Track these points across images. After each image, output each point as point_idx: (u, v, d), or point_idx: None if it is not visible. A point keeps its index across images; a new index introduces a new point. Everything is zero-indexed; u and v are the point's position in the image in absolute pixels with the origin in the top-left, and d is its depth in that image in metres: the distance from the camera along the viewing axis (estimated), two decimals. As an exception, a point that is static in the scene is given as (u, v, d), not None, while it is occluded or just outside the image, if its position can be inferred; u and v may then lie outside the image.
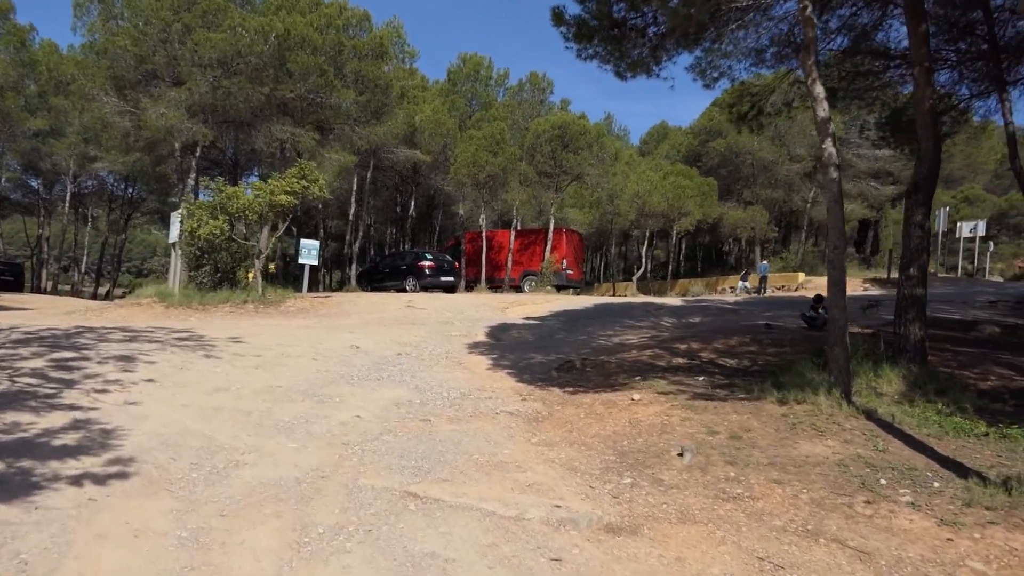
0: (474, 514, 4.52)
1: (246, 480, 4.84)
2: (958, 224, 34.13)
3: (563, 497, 4.84)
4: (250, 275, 16.99)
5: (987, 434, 6.20)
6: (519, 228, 29.77)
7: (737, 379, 8.58)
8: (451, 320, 15.66)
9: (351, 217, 31.23)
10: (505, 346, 12.31)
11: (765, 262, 30.49)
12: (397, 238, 42.96)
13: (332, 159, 21.96)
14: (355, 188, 29.36)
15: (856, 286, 27.06)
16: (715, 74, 11.60)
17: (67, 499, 4.21)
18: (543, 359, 10.84)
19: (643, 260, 30.58)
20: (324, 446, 5.76)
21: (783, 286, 28.96)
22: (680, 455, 5.68)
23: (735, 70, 11.79)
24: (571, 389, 8.60)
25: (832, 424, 6.30)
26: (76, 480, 4.50)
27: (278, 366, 8.89)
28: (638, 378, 8.83)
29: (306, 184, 16.30)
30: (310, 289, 20.77)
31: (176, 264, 17.21)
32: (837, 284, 7.28)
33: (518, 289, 29.39)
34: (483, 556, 3.96)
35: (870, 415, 6.52)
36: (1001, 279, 35.68)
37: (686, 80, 28.68)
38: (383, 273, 26.79)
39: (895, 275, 30.74)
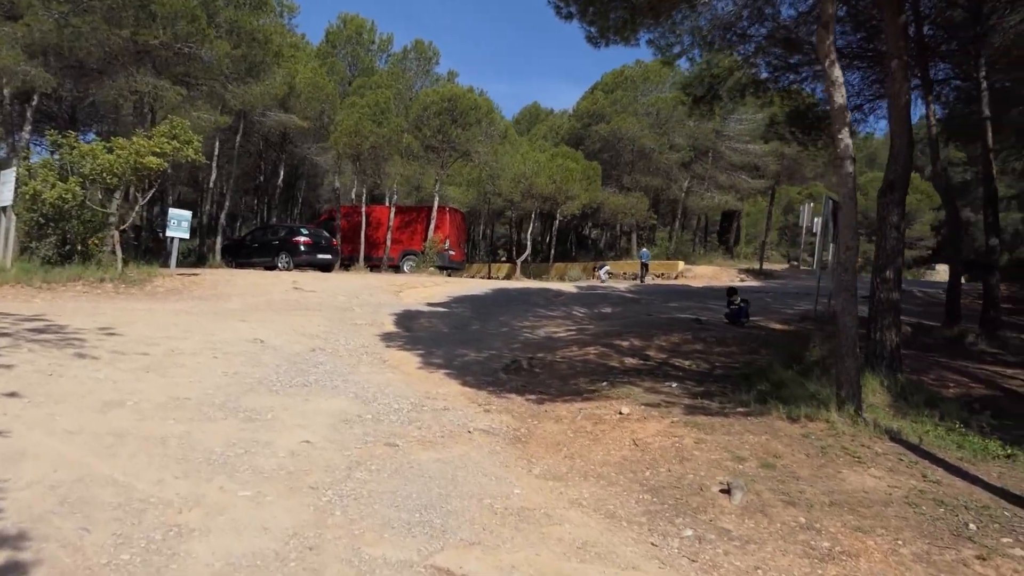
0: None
1: (204, 561, 3.39)
2: (801, 218, 36.00)
3: (636, 566, 3.77)
4: (108, 247, 14.47)
5: (1009, 456, 5.79)
6: (398, 204, 28.10)
7: (711, 385, 7.87)
8: (349, 306, 14.10)
9: (210, 185, 28.27)
10: (424, 339, 11.02)
11: (645, 249, 30.36)
12: (257, 210, 39.83)
13: (202, 119, 19.37)
14: (216, 153, 26.46)
15: (733, 277, 27.79)
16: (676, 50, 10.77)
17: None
18: (476, 356, 9.70)
19: (528, 243, 29.84)
20: (286, 492, 4.36)
21: (662, 274, 29.28)
22: (725, 492, 4.78)
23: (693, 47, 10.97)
24: (533, 397, 7.53)
25: (862, 448, 5.64)
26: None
27: (174, 367, 7.18)
28: (604, 384, 7.91)
29: (178, 145, 14.03)
30: (167, 265, 18.27)
31: (8, 232, 14.34)
32: (848, 288, 6.65)
33: (397, 269, 27.83)
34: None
35: (893, 436, 5.94)
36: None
37: (555, 64, 28.00)
38: (250, 248, 24.32)
39: (768, 266, 32.16)
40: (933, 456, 5.61)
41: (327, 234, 24.47)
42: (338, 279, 19.14)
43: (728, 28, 11.80)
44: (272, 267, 22.75)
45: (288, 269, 22.57)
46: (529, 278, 29.68)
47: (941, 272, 45.51)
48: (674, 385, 7.77)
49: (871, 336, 8.11)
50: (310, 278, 18.24)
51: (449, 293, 17.98)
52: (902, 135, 8.49)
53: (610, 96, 33.64)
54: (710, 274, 28.45)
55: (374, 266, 27.34)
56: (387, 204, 27.50)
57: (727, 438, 5.82)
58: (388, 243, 27.17)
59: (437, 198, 26.95)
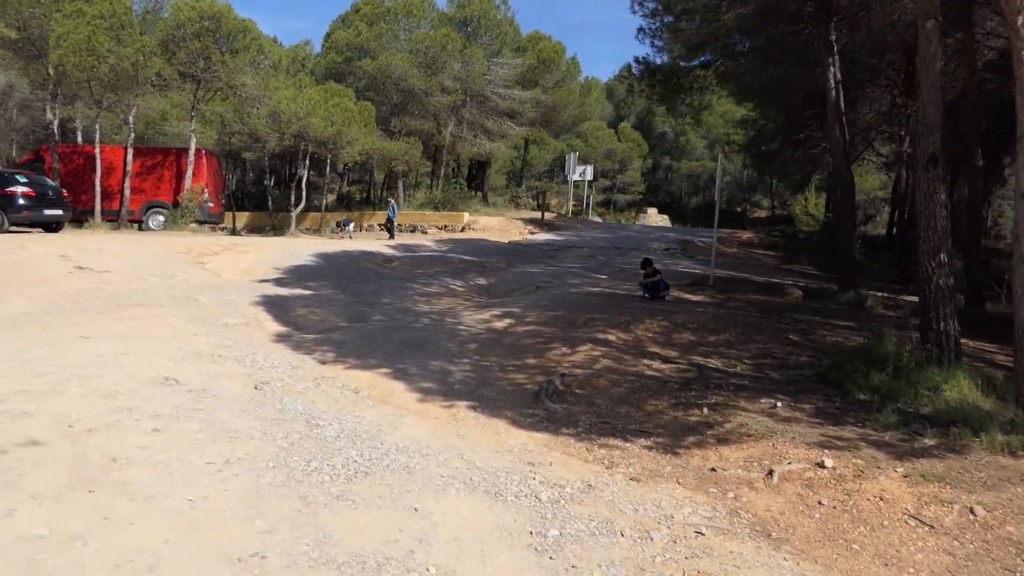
0: None
1: None
2: (567, 168, 36.71)
3: None
4: None
5: None
6: (137, 146, 22.53)
7: (804, 398, 6.65)
8: (181, 293, 10.52)
9: None
10: (347, 343, 8.35)
11: (392, 201, 27.35)
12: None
13: None
14: None
15: (522, 230, 27.10)
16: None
17: None
18: (465, 373, 7.43)
19: (304, 192, 25.90)
20: None
21: (445, 226, 27.53)
22: None
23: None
24: (645, 442, 5.66)
25: None
26: None
27: (100, 472, 4.07)
28: (695, 410, 6.27)
29: None
30: None
31: None
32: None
33: (139, 225, 22.56)
34: None
35: None
36: (600, 220, 40.12)
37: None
38: (-67, 204, 17.66)
39: (548, 216, 31.93)
40: None
41: (53, 183, 18.68)
42: (104, 245, 14.41)
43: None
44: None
45: (0, 230, 16.82)
46: (277, 232, 25.99)
47: (652, 215, 50.06)
48: (779, 405, 6.40)
49: (933, 327, 7.50)
50: (65, 246, 13.45)
51: (265, 261, 14.67)
52: (936, 104, 7.88)
53: (374, 29, 30.40)
54: (496, 226, 27.40)
55: (110, 220, 21.76)
56: (123, 145, 21.82)
57: (1001, 496, 4.64)
58: (126, 193, 21.73)
59: (195, 139, 22.05)
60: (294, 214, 25.46)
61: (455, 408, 6.34)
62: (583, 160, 37.61)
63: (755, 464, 5.21)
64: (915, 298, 13.83)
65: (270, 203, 29.75)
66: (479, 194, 37.55)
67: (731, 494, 4.80)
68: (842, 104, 12.68)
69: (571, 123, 41.25)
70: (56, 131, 22.11)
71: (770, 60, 13.49)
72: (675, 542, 4.03)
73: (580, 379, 7.09)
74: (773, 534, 4.28)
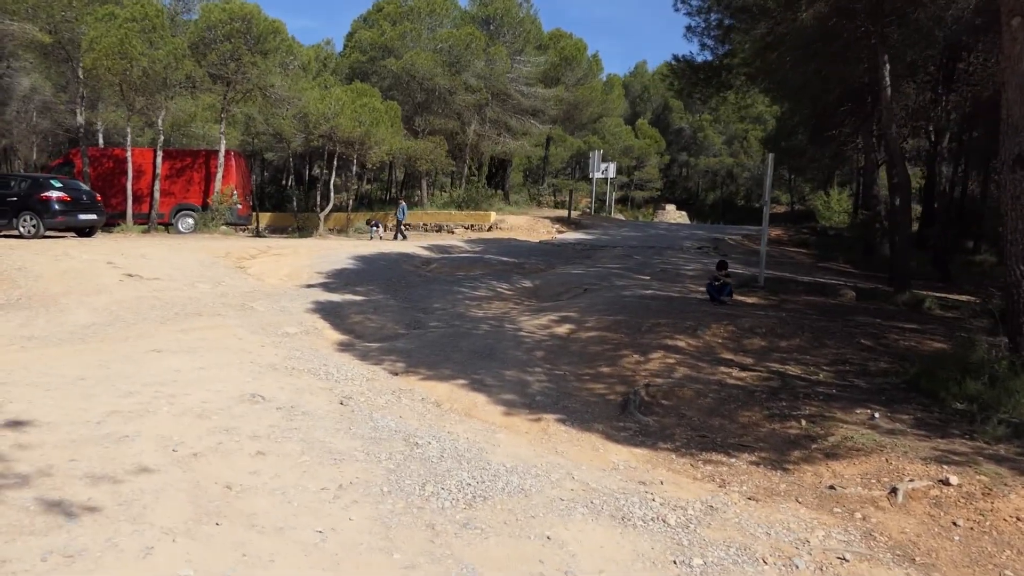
0: None
1: None
2: (591, 165, 36.39)
3: None
4: None
5: None
6: (167, 148, 22.48)
7: (899, 408, 6.44)
8: (234, 301, 10.41)
9: None
10: (427, 357, 8.17)
11: (403, 203, 26.74)
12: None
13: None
14: None
15: (549, 229, 26.90)
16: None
17: None
18: (547, 385, 7.27)
19: (331, 194, 25.77)
20: None
21: (472, 225, 27.35)
22: None
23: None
24: (751, 457, 5.48)
25: None
26: None
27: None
28: (792, 423, 6.07)
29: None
30: None
31: None
32: None
33: (167, 227, 22.51)
34: None
35: None
36: (622, 217, 39.84)
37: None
38: (-33, 208, 17.64)
39: (574, 214, 31.62)
40: None
41: (87, 188, 18.62)
42: (146, 251, 14.30)
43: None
44: (7, 233, 16.81)
45: (35, 235, 16.81)
46: (302, 232, 25.75)
47: (670, 212, 49.67)
48: (876, 416, 6.19)
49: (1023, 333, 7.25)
50: (109, 252, 13.36)
51: (306, 266, 14.54)
52: (1022, 103, 7.62)
53: (398, 28, 30.23)
54: (524, 225, 27.22)
55: (140, 223, 21.73)
56: (152, 147, 21.76)
57: None
58: (156, 196, 21.69)
59: (224, 140, 21.96)
60: (322, 215, 25.31)
61: (543, 422, 6.16)
62: (603, 157, 37.32)
63: (873, 481, 5.01)
64: (969, 298, 13.65)
65: (294, 204, 29.63)
66: (500, 192, 37.37)
67: (858, 514, 4.60)
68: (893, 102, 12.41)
69: (590, 120, 40.96)
70: (82, 134, 22.09)
71: (809, 57, 13.16)
72: (822, 570, 3.85)
73: (664, 389, 6.90)
74: (917, 559, 4.08)
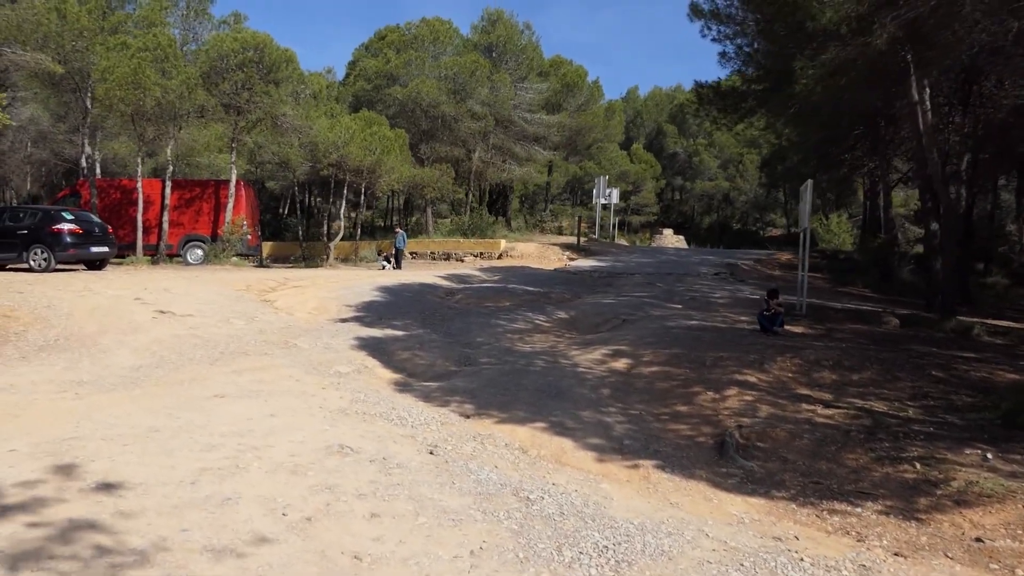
0: None
1: None
2: (595, 191, 36.24)
3: None
4: None
5: None
6: (175, 178, 22.11)
7: (1014, 447, 6.14)
8: (275, 338, 10.04)
9: None
10: (493, 397, 7.81)
11: (401, 231, 26.12)
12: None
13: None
14: None
15: (560, 256, 26.63)
16: None
17: None
18: (628, 427, 6.93)
19: (341, 222, 25.47)
20: None
21: (481, 253, 27.07)
22: None
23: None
24: (875, 506, 5.16)
25: None
26: None
27: None
28: (906, 466, 5.76)
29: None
30: None
31: None
32: None
33: (172, 259, 22.04)
34: None
35: None
36: (626, 243, 39.69)
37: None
38: (-19, 240, 17.15)
39: (571, 240, 31.38)
40: None
41: (99, 220, 18.20)
42: (166, 284, 13.84)
43: None
44: (15, 267, 16.40)
45: (46, 269, 16.38)
46: (309, 262, 25.30)
47: (668, 236, 49.55)
48: (989, 457, 5.91)
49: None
50: (132, 286, 12.94)
51: (332, 298, 14.17)
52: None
53: (402, 56, 30.14)
54: (534, 252, 26.95)
55: (148, 255, 21.27)
56: (165, 178, 21.31)
57: None
58: (165, 227, 21.28)
59: (235, 170, 21.63)
60: (332, 245, 24.94)
61: (642, 469, 5.83)
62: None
63: (1020, 532, 4.70)
64: (1011, 324, 13.46)
65: (300, 233, 29.26)
66: (503, 219, 37.19)
67: (1019, 571, 4.29)
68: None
69: (591, 146, 40.98)
70: (85, 165, 21.71)
71: (875, 80, 12.96)
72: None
73: (756, 431, 6.58)
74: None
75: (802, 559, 4.25)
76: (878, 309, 13.75)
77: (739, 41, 13.78)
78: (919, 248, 25.25)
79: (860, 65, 9.46)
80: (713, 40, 14.22)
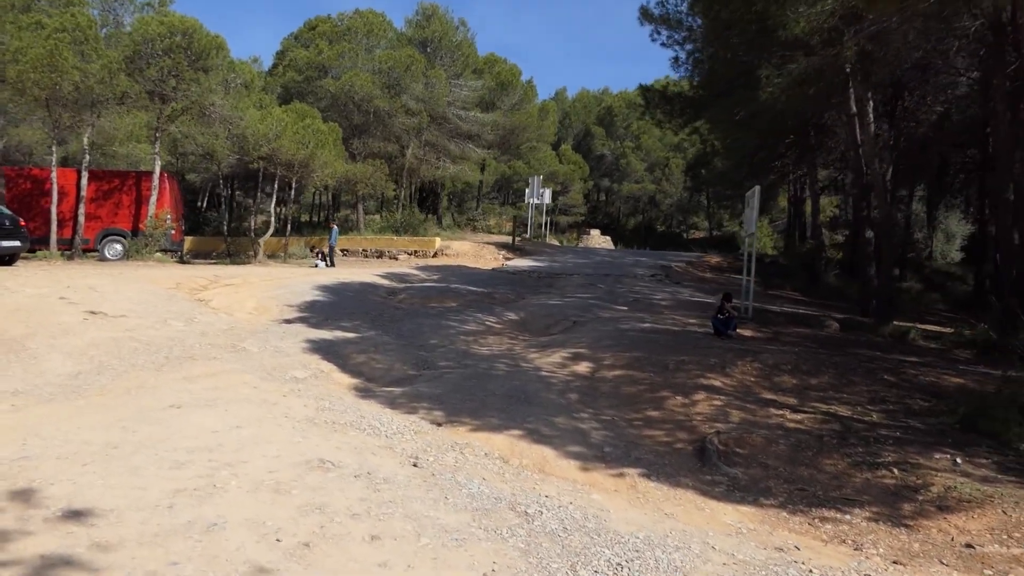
0: None
1: None
2: (529, 191, 36.23)
3: None
4: None
5: None
6: (92, 169, 20.75)
7: (977, 451, 6.34)
8: (219, 341, 9.50)
9: None
10: (462, 403, 7.58)
11: (335, 227, 25.76)
12: None
13: None
14: None
15: (496, 256, 26.47)
16: None
17: None
18: (605, 434, 6.87)
19: (272, 217, 24.53)
20: None
21: (416, 251, 26.61)
22: None
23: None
24: (863, 513, 5.21)
25: None
26: None
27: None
28: (883, 471, 5.86)
29: None
30: None
31: None
32: None
33: (89, 253, 20.74)
34: None
35: None
36: (557, 243, 39.85)
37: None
38: None
39: (506, 239, 31.27)
40: None
41: (10, 213, 16.92)
42: (90, 282, 12.88)
43: None
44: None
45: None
46: (234, 259, 24.31)
47: (595, 236, 50.15)
48: (959, 461, 6.06)
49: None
50: (54, 285, 12.00)
51: (270, 298, 13.60)
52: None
53: (335, 48, 29.31)
54: (470, 251, 26.67)
55: (63, 249, 19.93)
56: (81, 168, 19.97)
57: None
58: (81, 220, 19.99)
59: (159, 161, 20.50)
60: (261, 240, 24.03)
61: (628, 477, 5.73)
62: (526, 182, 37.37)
63: (1005, 537, 4.82)
64: (941, 328, 14.09)
65: (225, 228, 28.12)
66: (434, 217, 36.78)
67: (1014, 578, 4.39)
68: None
69: (525, 145, 40.99)
70: (-3, 152, 20.25)
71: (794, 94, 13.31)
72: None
73: (734, 437, 6.58)
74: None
75: (811, 570, 4.22)
76: (815, 313, 14.17)
77: (688, 47, 13.96)
78: (840, 254, 26.28)
79: (828, 75, 9.68)
80: (663, 45, 14.36)
